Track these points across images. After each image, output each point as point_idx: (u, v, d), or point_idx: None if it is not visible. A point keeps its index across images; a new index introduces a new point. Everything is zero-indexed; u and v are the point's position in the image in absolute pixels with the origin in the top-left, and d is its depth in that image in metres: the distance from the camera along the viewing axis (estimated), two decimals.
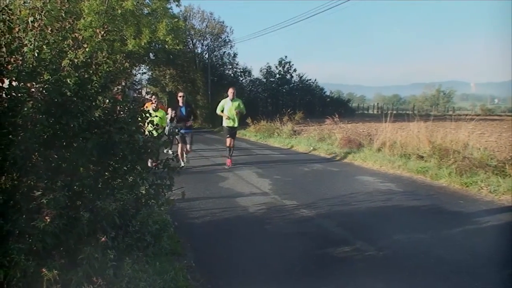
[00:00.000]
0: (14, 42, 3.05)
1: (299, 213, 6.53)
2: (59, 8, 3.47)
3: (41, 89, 3.03)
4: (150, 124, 3.83)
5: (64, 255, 2.80)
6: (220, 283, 4.08)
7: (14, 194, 2.79)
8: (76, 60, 3.29)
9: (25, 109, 2.85)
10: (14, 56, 2.98)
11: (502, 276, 4.27)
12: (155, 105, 10.74)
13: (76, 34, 3.47)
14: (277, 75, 37.66)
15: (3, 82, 2.91)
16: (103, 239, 2.82)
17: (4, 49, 2.98)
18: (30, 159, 2.91)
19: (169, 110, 12.83)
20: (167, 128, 11.96)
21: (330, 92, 43.48)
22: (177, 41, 25.67)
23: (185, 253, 4.67)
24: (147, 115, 3.75)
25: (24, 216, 2.65)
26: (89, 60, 3.39)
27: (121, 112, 3.55)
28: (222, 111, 11.35)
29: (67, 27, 3.44)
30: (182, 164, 10.75)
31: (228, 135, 11.45)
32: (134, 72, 31.99)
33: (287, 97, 37.39)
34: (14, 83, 2.93)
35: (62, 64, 3.23)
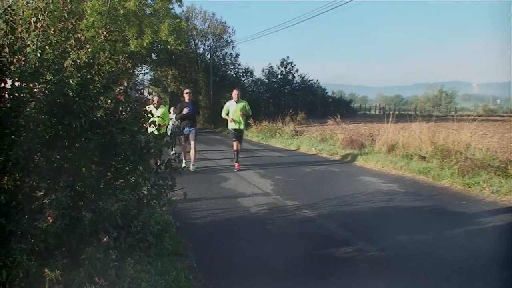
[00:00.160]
0: (16, 42, 3.06)
1: (301, 213, 6.52)
2: (61, 8, 3.48)
3: (43, 89, 3.04)
4: (152, 125, 3.83)
5: (66, 255, 2.80)
6: (222, 284, 4.08)
7: (17, 194, 2.79)
8: (78, 61, 3.30)
9: (28, 109, 2.86)
10: (16, 57, 2.99)
11: (504, 276, 4.26)
12: (156, 104, 10.63)
13: (79, 35, 3.47)
14: (279, 76, 37.65)
15: (5, 83, 2.91)
16: (105, 239, 2.83)
17: (7, 50, 2.98)
18: (32, 159, 2.91)
19: (172, 109, 12.82)
20: (170, 125, 12.05)
21: (332, 93, 43.51)
22: (179, 41, 25.70)
23: (187, 254, 4.66)
24: (149, 115, 3.75)
25: (26, 216, 2.65)
26: (91, 60, 3.39)
27: (123, 113, 3.56)
28: (228, 114, 11.06)
29: (69, 28, 3.44)
30: (184, 165, 10.52)
31: (234, 139, 11.14)
32: (136, 72, 32.05)
33: (289, 97, 37.38)
34: (16, 84, 2.94)
35: (65, 65, 3.23)
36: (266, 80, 37.88)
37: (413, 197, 7.61)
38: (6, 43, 3.00)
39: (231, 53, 38.01)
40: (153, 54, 29.70)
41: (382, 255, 4.76)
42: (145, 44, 24.42)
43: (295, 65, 37.72)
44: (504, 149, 10.81)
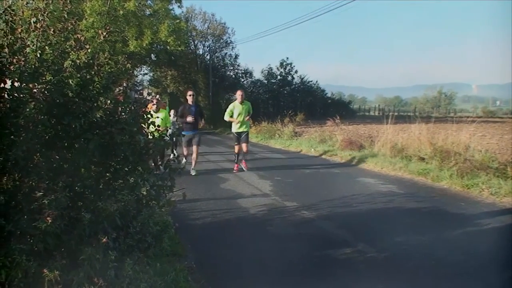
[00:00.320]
0: (16, 42, 3.06)
1: (300, 214, 6.52)
2: (61, 9, 3.47)
3: (43, 90, 3.03)
4: (151, 126, 3.82)
5: (65, 256, 2.80)
6: (221, 284, 4.08)
7: (16, 195, 2.79)
8: (78, 61, 3.29)
9: (27, 109, 2.86)
10: (16, 57, 2.98)
11: (504, 278, 4.27)
12: (155, 106, 10.00)
13: (78, 35, 3.47)
14: (279, 77, 37.68)
15: (5, 83, 2.91)
16: (104, 240, 2.82)
17: (6, 50, 2.98)
18: (31, 159, 2.91)
19: (172, 112, 12.61)
20: (170, 130, 11.63)
21: (331, 94, 43.57)
22: (179, 42, 25.73)
23: (186, 254, 4.67)
24: (149, 116, 3.75)
25: (25, 216, 2.65)
26: (91, 61, 3.39)
27: (123, 113, 3.55)
28: (232, 116, 10.68)
29: (69, 28, 3.44)
30: (183, 162, 10.04)
31: (236, 143, 10.82)
32: (135, 73, 32.07)
33: (288, 98, 37.43)
34: (16, 84, 2.94)
35: (64, 65, 3.23)
36: (266, 81, 37.91)
37: (412, 199, 7.62)
38: (5, 44, 3.00)
39: (230, 54, 38.10)
40: (152, 54, 29.72)
41: (381, 256, 4.76)
42: (144, 45, 24.46)
43: (294, 66, 37.79)
44: (503, 151, 10.83)
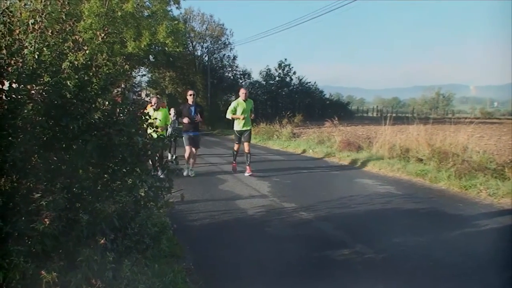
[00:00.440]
0: (14, 44, 3.05)
1: (298, 215, 6.53)
2: (59, 10, 3.47)
3: (41, 91, 3.03)
4: (150, 127, 3.82)
5: (63, 257, 2.79)
6: (219, 286, 4.09)
7: (14, 196, 2.78)
8: (76, 62, 3.29)
9: (25, 111, 2.85)
10: (14, 58, 2.98)
11: (502, 278, 4.27)
12: (155, 106, 9.79)
13: (77, 36, 3.47)
14: (277, 78, 37.76)
15: (3, 84, 2.91)
16: (102, 241, 2.82)
17: (4, 51, 2.98)
18: (29, 161, 2.91)
19: (172, 110, 12.50)
20: (169, 129, 11.44)
21: (329, 95, 43.66)
22: (177, 43, 25.78)
23: (184, 256, 4.67)
24: (147, 117, 3.74)
25: (23, 218, 2.65)
26: (89, 62, 3.39)
27: (121, 114, 3.55)
28: (235, 113, 10.38)
29: (67, 29, 3.44)
30: (188, 173, 9.97)
31: (237, 142, 10.61)
32: (134, 74, 32.07)
33: (286, 99, 37.50)
34: (14, 85, 2.93)
35: (62, 66, 3.23)
36: (264, 82, 37.99)
37: (410, 200, 7.62)
38: (3, 45, 3.00)
39: (228, 55, 38.19)
40: (150, 56, 29.78)
41: (379, 257, 4.77)
42: (142, 46, 24.48)
43: (292, 67, 37.90)
44: (501, 152, 10.86)
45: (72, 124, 3.06)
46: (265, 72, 37.88)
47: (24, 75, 2.96)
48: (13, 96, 2.90)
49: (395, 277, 4.27)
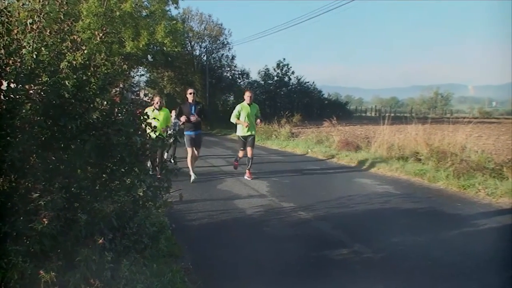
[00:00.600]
0: (12, 44, 3.06)
1: (296, 215, 6.53)
2: (57, 10, 3.47)
3: (39, 91, 3.03)
4: (148, 126, 3.81)
5: (62, 257, 2.80)
6: (217, 285, 4.09)
7: (12, 196, 2.79)
8: (74, 62, 3.29)
9: (23, 111, 2.85)
10: (12, 58, 2.98)
11: (500, 278, 4.28)
12: (158, 105, 9.34)
13: (75, 36, 3.47)
14: (275, 78, 37.74)
15: (1, 84, 2.91)
16: (100, 241, 2.82)
17: (2, 51, 2.98)
18: (28, 161, 2.91)
19: (173, 112, 12.34)
20: (169, 131, 11.11)
21: (328, 95, 43.65)
22: (175, 43, 25.77)
23: (182, 255, 4.66)
24: (145, 117, 3.74)
25: (22, 218, 2.65)
26: (87, 62, 3.39)
27: (119, 114, 3.55)
28: (239, 118, 9.88)
29: (65, 29, 3.44)
30: (193, 177, 9.40)
31: (242, 147, 10.07)
32: (132, 74, 32.03)
33: (285, 99, 37.50)
34: (12, 85, 2.93)
35: (61, 66, 3.23)
36: (262, 82, 37.99)
37: (408, 199, 7.63)
38: (2, 45, 3.00)
39: (227, 55, 38.17)
40: (149, 55, 29.75)
41: (377, 257, 4.77)
42: (141, 46, 24.46)
43: (291, 67, 37.90)
44: (499, 151, 10.88)
45: (70, 124, 3.06)
46: (263, 72, 37.91)
47: (22, 75, 2.96)
48: (11, 96, 2.90)
49: (394, 276, 4.27)
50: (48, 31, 3.27)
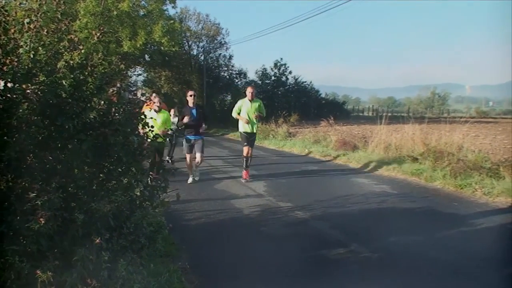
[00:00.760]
0: (9, 43, 3.05)
1: (293, 215, 6.53)
2: (55, 9, 3.46)
3: (36, 90, 3.02)
4: (145, 126, 3.81)
5: (59, 257, 2.79)
6: (215, 285, 4.09)
7: (9, 196, 2.78)
8: (71, 62, 3.29)
9: (20, 110, 2.85)
10: (9, 58, 2.97)
11: (497, 277, 4.30)
12: (158, 104, 8.82)
13: (72, 36, 3.46)
14: (273, 77, 37.72)
15: None
16: (97, 240, 2.82)
17: None
18: (25, 160, 2.90)
19: (172, 111, 12.21)
20: (171, 132, 10.77)
21: (325, 94, 43.70)
22: (173, 42, 25.77)
23: (179, 255, 4.66)
24: (142, 117, 3.74)
25: (18, 217, 2.64)
26: (84, 61, 3.38)
27: (116, 114, 3.55)
28: (239, 113, 9.67)
29: (62, 29, 3.43)
30: (190, 180, 9.24)
31: (245, 143, 9.72)
32: (129, 73, 32.01)
33: (282, 99, 37.48)
34: (9, 85, 2.93)
35: (58, 66, 3.22)
36: (260, 82, 37.95)
37: (405, 199, 7.65)
38: None
39: (224, 54, 38.23)
40: (146, 55, 29.71)
41: (374, 256, 4.78)
42: (138, 46, 24.45)
43: (288, 66, 37.91)
44: (496, 151, 10.91)
45: (67, 124, 3.05)
46: (261, 72, 37.90)
47: (19, 75, 2.96)
48: (8, 95, 2.90)
49: (391, 275, 4.28)
50: (45, 30, 3.26)
